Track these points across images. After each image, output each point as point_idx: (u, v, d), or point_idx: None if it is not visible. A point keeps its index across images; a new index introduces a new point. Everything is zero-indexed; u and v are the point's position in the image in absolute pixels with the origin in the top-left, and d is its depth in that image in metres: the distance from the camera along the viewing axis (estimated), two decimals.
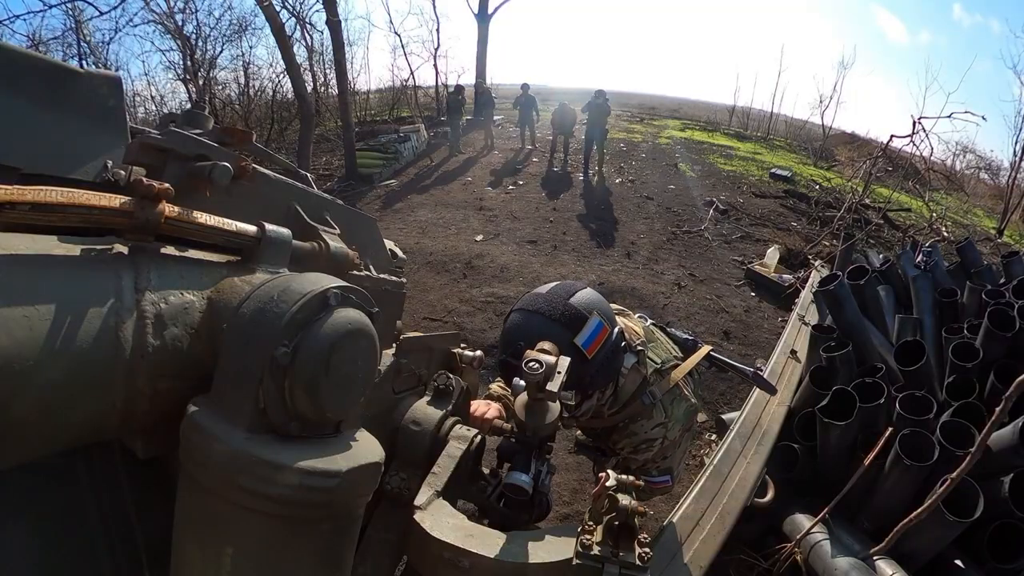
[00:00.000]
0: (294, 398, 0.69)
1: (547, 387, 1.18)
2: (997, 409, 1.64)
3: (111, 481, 0.89)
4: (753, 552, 2.60)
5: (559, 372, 1.22)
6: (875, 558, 2.23)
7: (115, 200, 0.70)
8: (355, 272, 1.23)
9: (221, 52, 16.89)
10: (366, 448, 0.79)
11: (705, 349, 1.91)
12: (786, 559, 2.50)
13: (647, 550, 1.02)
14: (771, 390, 2.47)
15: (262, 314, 0.70)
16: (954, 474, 1.78)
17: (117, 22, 13.76)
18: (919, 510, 1.91)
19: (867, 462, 2.37)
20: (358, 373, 0.78)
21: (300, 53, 16.13)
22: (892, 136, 7.99)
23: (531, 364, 1.18)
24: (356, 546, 0.87)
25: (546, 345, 1.28)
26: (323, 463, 0.69)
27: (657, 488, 1.79)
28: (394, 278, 1.45)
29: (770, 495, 2.57)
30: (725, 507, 2.39)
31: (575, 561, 1.00)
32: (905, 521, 1.97)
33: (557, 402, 1.25)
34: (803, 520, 2.55)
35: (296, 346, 0.69)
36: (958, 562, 2.23)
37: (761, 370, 2.97)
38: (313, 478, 0.67)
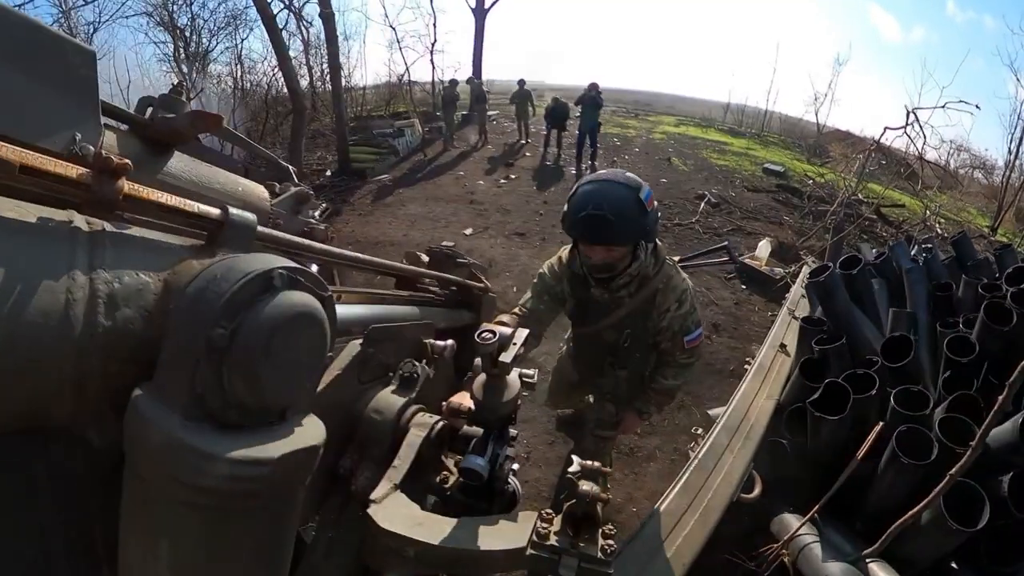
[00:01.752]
0: (233, 384, 0.66)
1: (500, 358, 1.13)
2: (999, 398, 1.53)
3: (69, 475, 0.83)
4: (739, 552, 2.50)
5: (515, 344, 1.17)
6: (868, 561, 2.12)
7: (72, 169, 0.68)
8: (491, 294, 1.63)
9: (216, 45, 16.72)
10: (307, 432, 0.75)
11: (675, 257, 2.40)
12: (773, 561, 2.39)
13: (611, 542, 0.95)
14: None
15: (203, 293, 0.67)
16: (953, 470, 1.66)
17: (100, 13, 13.61)
18: (916, 508, 1.80)
19: (859, 457, 2.26)
20: (303, 359, 0.74)
21: (296, 47, 16.02)
22: (886, 128, 7.92)
23: (484, 335, 1.13)
24: (295, 532, 0.83)
25: (504, 318, 1.23)
26: (255, 452, 0.65)
27: (696, 346, 2.26)
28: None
29: (757, 491, 2.47)
30: (709, 503, 2.29)
31: (529, 551, 0.94)
32: (901, 520, 1.86)
33: (517, 379, 1.21)
34: (791, 520, 2.45)
35: (235, 328, 0.65)
36: (954, 565, 2.13)
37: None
38: (244, 468, 0.64)
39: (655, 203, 1.97)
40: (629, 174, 1.94)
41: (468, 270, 2.08)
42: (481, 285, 2.05)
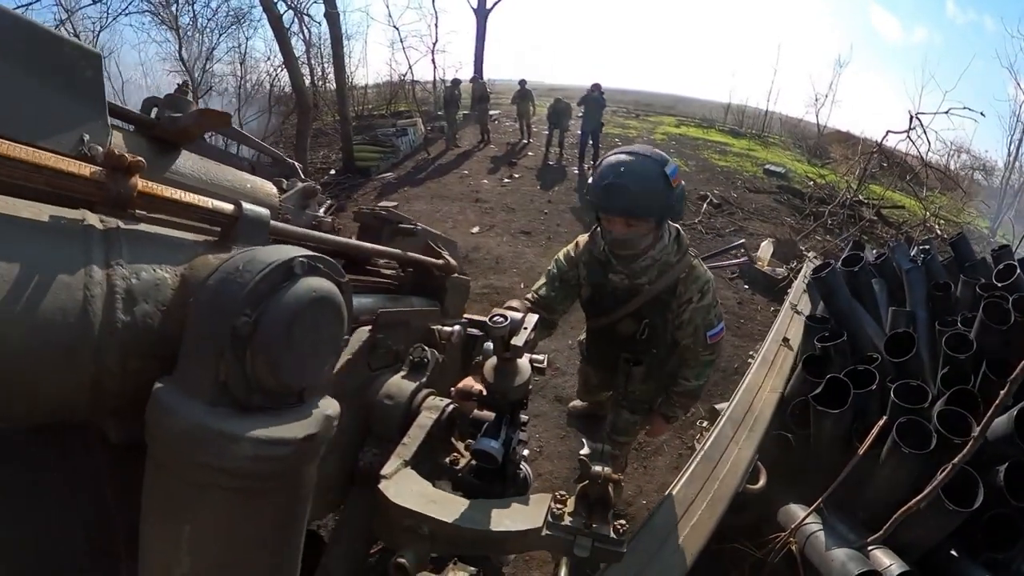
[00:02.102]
0: (256, 370, 0.67)
1: (512, 341, 1.14)
2: (1001, 392, 1.61)
3: (89, 467, 0.86)
4: (747, 541, 2.57)
5: (526, 328, 1.19)
6: (871, 548, 2.20)
7: (85, 168, 0.67)
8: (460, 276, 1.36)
9: (218, 44, 16.74)
10: (323, 411, 0.76)
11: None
12: (781, 549, 2.47)
13: (623, 522, 0.98)
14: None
15: (225, 284, 0.68)
16: (956, 459, 1.74)
17: (107, 12, 13.61)
18: (919, 497, 1.87)
19: (862, 451, 2.34)
20: (322, 342, 0.75)
21: (298, 47, 16.02)
22: (888, 132, 7.98)
23: (495, 318, 1.14)
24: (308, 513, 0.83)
25: (515, 303, 1.27)
26: (278, 431, 0.67)
27: (718, 341, 2.20)
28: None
29: (762, 481, 2.54)
30: (716, 493, 2.36)
31: (544, 532, 0.96)
32: (904, 509, 1.94)
33: (528, 364, 1.22)
34: (797, 510, 2.52)
35: (258, 316, 0.66)
36: (953, 552, 2.21)
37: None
38: (267, 447, 0.65)
39: (682, 181, 1.93)
40: (656, 149, 1.92)
41: (424, 242, 1.73)
42: (442, 262, 1.70)
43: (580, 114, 11.56)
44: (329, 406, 0.77)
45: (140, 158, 0.71)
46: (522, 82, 13.75)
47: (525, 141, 14.17)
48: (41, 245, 0.61)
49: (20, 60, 0.81)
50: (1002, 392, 1.59)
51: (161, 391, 0.66)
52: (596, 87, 11.26)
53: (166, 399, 0.65)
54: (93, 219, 0.68)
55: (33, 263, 0.59)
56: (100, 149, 0.79)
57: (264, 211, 0.90)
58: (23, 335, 0.57)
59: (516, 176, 11.19)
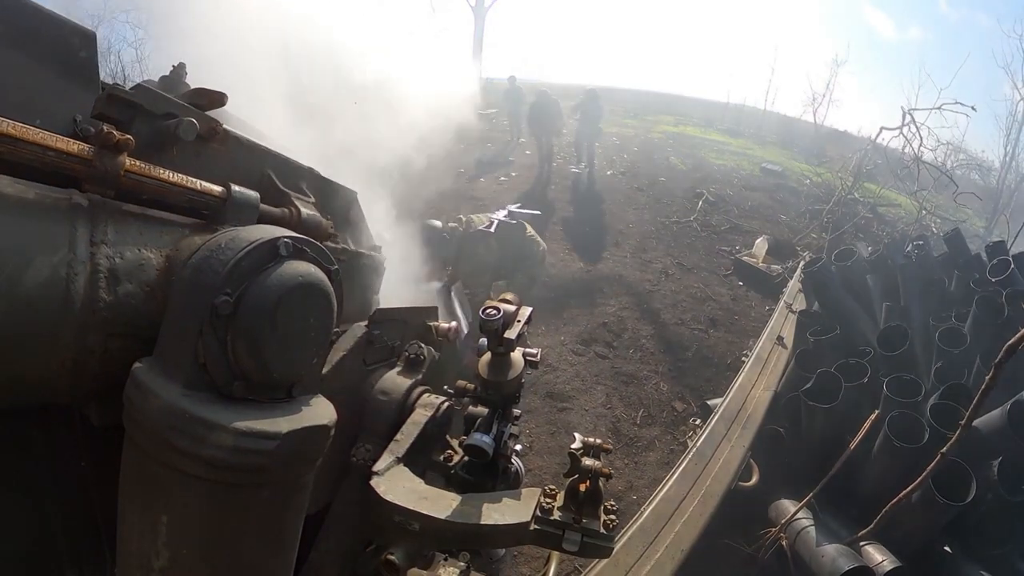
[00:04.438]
0: (236, 354, 0.65)
1: (505, 335, 1.14)
2: (987, 377, 1.59)
3: (69, 453, 0.84)
4: (738, 537, 2.55)
5: (519, 321, 1.18)
6: (863, 543, 2.18)
7: (73, 145, 0.67)
8: (330, 244, 1.20)
9: None
10: (315, 412, 0.74)
11: None
12: (771, 545, 2.45)
13: (613, 517, 0.96)
14: None
15: (206, 262, 0.66)
16: (944, 448, 1.72)
17: (106, 5, 13.56)
18: (908, 488, 1.86)
19: (852, 446, 2.32)
20: (309, 331, 0.73)
21: None
22: (882, 128, 7.97)
23: (489, 311, 1.13)
24: (319, 519, 0.84)
25: (509, 296, 1.26)
26: (261, 424, 0.64)
27: None
28: (373, 252, 1.41)
29: (755, 479, 2.52)
30: (708, 490, 2.34)
31: (533, 526, 0.94)
32: (894, 500, 1.92)
33: (521, 357, 1.21)
34: (788, 505, 2.50)
35: (240, 296, 0.65)
36: (947, 548, 2.19)
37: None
38: (248, 440, 0.63)
39: None
40: None
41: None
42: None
43: (577, 117, 11.39)
44: (324, 413, 0.74)
45: (129, 136, 0.70)
46: (511, 79, 13.04)
47: (522, 139, 14.00)
48: (24, 222, 0.61)
49: (11, 38, 0.79)
50: (988, 376, 1.57)
51: (139, 370, 0.65)
52: (592, 93, 11.06)
53: (143, 379, 0.64)
54: (80, 197, 0.68)
55: (15, 240, 0.58)
56: (92, 129, 0.77)
57: (254, 194, 0.89)
58: (1, 312, 0.57)
59: (513, 175, 11.14)
